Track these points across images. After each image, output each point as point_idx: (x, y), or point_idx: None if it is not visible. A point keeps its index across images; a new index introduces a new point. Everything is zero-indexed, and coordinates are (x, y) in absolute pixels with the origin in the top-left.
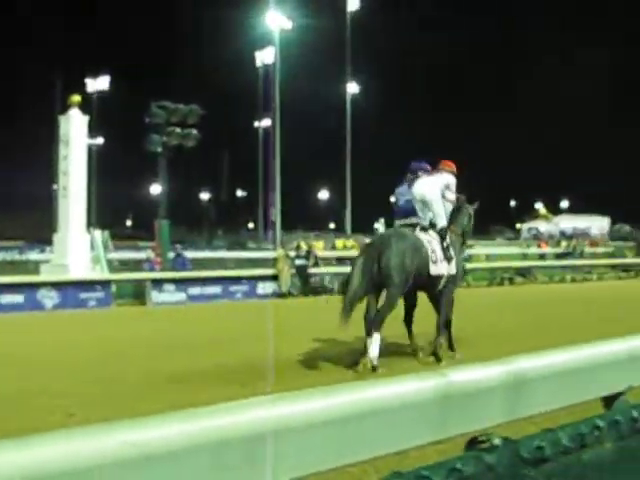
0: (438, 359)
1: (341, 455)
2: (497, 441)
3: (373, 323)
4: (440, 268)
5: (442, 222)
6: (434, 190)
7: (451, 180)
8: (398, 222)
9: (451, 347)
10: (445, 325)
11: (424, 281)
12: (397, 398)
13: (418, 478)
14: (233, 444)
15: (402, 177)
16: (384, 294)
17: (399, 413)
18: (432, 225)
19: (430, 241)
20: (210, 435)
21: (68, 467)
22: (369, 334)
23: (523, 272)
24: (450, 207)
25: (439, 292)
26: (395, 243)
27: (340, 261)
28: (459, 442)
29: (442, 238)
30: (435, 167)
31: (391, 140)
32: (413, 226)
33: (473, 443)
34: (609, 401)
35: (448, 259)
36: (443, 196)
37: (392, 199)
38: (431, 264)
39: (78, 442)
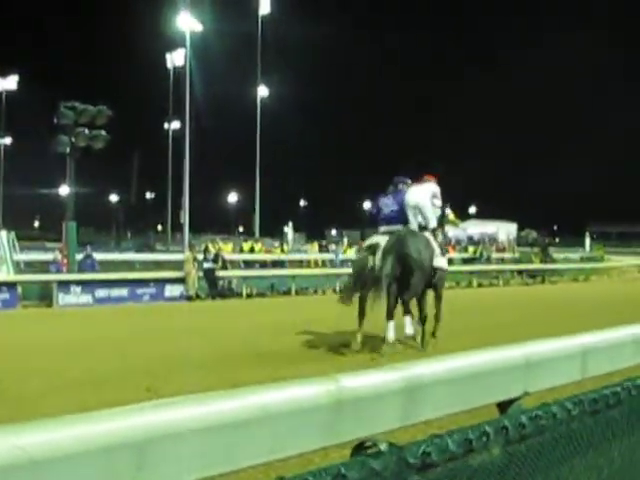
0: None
1: (228, 461)
2: (383, 446)
3: (404, 306)
4: (441, 262)
5: (433, 224)
6: (425, 197)
7: (436, 189)
8: (383, 228)
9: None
10: (424, 320)
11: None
12: (287, 403)
13: None
14: (123, 449)
15: (381, 191)
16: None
17: (289, 419)
18: (422, 228)
19: (432, 239)
20: (100, 439)
21: None
22: (391, 318)
23: None
24: (438, 212)
25: (434, 284)
26: (415, 240)
27: (248, 264)
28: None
29: (435, 237)
30: (419, 180)
31: (301, 144)
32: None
33: (359, 448)
34: (504, 407)
35: (443, 255)
36: (432, 203)
37: (369, 208)
38: (434, 258)
39: None
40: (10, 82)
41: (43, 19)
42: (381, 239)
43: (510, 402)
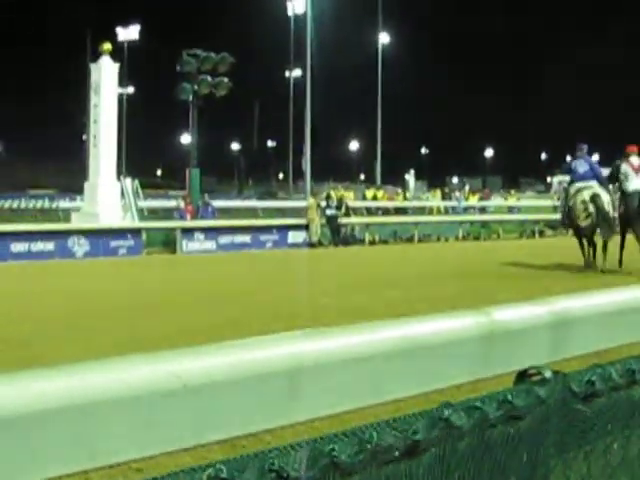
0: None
1: (377, 392)
2: (548, 374)
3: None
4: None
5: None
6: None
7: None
8: (579, 184)
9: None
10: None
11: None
12: (439, 336)
13: (469, 409)
14: (273, 377)
15: (574, 155)
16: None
17: (442, 350)
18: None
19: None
20: (250, 367)
21: (111, 396)
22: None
23: (553, 225)
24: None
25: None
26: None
27: (370, 211)
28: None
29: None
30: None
31: (422, 93)
32: (591, 187)
33: (523, 376)
34: None
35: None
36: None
37: (565, 167)
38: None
39: (120, 372)
40: (132, 32)
41: None
42: (583, 187)
43: None
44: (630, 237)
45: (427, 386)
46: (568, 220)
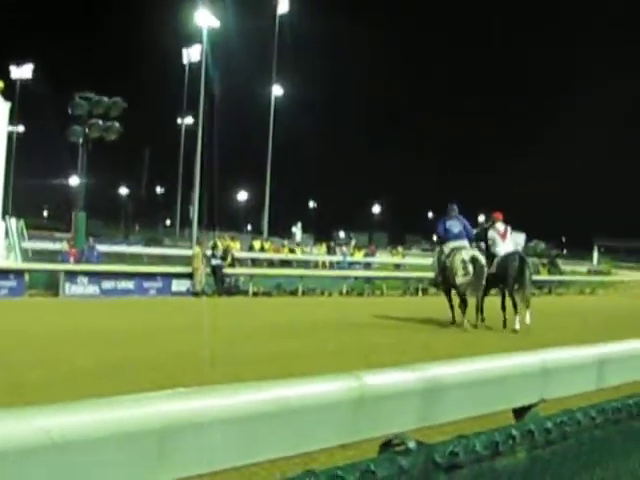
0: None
1: (249, 453)
2: (412, 444)
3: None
4: None
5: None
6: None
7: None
8: (454, 243)
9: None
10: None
11: None
12: (311, 398)
13: (331, 478)
14: (144, 436)
15: (444, 215)
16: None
17: (309, 414)
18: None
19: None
20: (119, 425)
21: None
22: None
23: (437, 283)
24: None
25: None
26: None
27: (255, 263)
28: (367, 448)
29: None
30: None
31: (312, 146)
32: (466, 247)
33: (387, 445)
34: (521, 413)
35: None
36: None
37: (439, 226)
38: None
39: None
40: (25, 71)
41: (60, 9)
42: (459, 246)
43: (526, 408)
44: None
45: (297, 448)
46: (442, 278)
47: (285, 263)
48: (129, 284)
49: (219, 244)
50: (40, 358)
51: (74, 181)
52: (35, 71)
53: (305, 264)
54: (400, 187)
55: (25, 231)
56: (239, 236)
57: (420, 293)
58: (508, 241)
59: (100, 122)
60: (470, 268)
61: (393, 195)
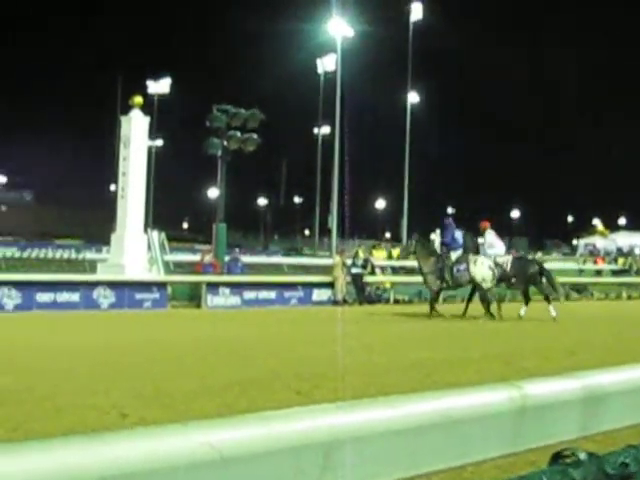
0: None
1: (412, 465)
2: (583, 456)
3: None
4: None
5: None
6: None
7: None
8: (459, 251)
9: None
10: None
11: None
12: (469, 409)
13: None
14: (309, 449)
15: (450, 226)
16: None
17: (470, 424)
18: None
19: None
20: (286, 439)
21: (144, 467)
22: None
23: (579, 288)
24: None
25: None
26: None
27: (396, 271)
28: (529, 458)
29: None
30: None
31: (449, 151)
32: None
33: (558, 457)
34: None
35: None
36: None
37: (448, 237)
38: None
39: (154, 442)
40: (163, 85)
41: (197, 22)
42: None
43: None
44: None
45: (459, 460)
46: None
47: None
48: (270, 294)
49: (361, 253)
50: (184, 369)
51: (213, 193)
52: (172, 85)
53: None
54: (539, 191)
55: (166, 243)
56: (382, 244)
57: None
58: (502, 243)
59: (238, 134)
60: (497, 272)
61: (532, 200)
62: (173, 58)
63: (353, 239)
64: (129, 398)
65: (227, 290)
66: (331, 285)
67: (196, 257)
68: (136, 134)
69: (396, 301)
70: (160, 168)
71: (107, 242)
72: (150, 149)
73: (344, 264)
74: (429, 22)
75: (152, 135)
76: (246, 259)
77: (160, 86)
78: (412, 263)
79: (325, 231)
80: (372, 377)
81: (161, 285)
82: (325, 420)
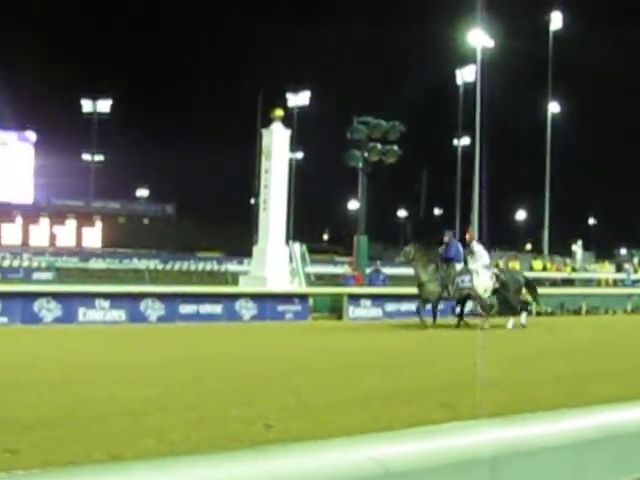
0: None
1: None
2: None
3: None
4: None
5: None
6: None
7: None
8: (462, 264)
9: None
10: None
11: None
12: (633, 424)
13: None
14: (474, 464)
15: (453, 241)
16: None
17: (635, 440)
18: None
19: None
20: (451, 454)
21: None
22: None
23: None
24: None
25: None
26: None
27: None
28: None
29: None
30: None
31: (591, 162)
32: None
33: None
34: None
35: None
36: None
37: (454, 250)
38: None
39: (321, 455)
40: (303, 98)
41: (333, 35)
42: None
43: None
44: None
45: (623, 475)
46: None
47: (567, 282)
48: (412, 306)
49: (501, 264)
50: (326, 380)
51: (353, 205)
52: (312, 98)
53: (588, 282)
54: None
55: (307, 255)
56: (520, 255)
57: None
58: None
59: (379, 146)
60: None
61: None
62: (312, 71)
63: (494, 250)
64: (272, 410)
65: (368, 302)
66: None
67: (337, 269)
68: (277, 147)
69: (538, 313)
70: (300, 181)
71: (248, 254)
72: (291, 162)
73: None
74: (569, 31)
75: (292, 148)
76: (387, 271)
77: (300, 99)
78: (555, 275)
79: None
80: (517, 389)
81: (303, 297)
82: (490, 435)
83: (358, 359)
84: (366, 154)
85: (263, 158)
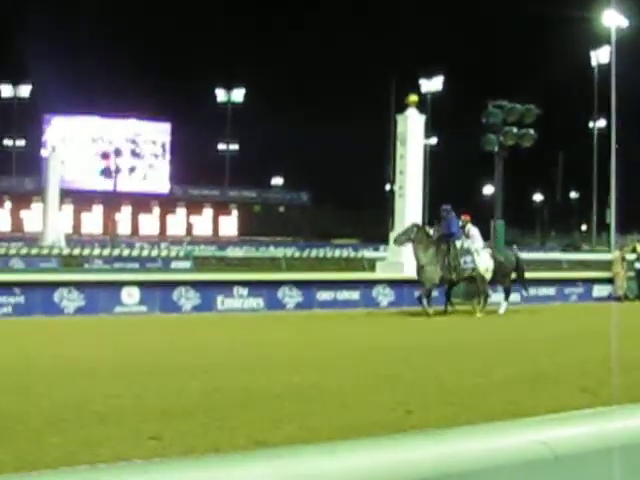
0: None
1: None
2: None
3: None
4: None
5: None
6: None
7: None
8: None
9: None
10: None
11: None
12: None
13: None
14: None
15: (451, 215)
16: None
17: None
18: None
19: None
20: (619, 437)
21: (484, 464)
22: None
23: None
24: None
25: None
26: None
27: None
28: None
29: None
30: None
31: None
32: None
33: None
34: None
35: None
36: None
37: (457, 226)
38: None
39: (491, 439)
40: (436, 83)
41: (470, 19)
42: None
43: None
44: None
45: None
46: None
47: None
48: (550, 291)
49: (638, 247)
50: (466, 365)
51: (488, 190)
52: (445, 83)
53: None
54: None
55: None
56: None
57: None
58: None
59: (514, 130)
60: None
61: None
62: (444, 56)
63: (632, 234)
64: (413, 395)
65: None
66: (611, 281)
67: None
68: (412, 132)
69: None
70: (435, 166)
71: (384, 241)
72: (425, 147)
73: (624, 259)
74: None
75: (426, 133)
76: (524, 256)
77: (433, 84)
78: None
79: (603, 226)
80: None
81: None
82: None
83: (496, 344)
84: (502, 138)
85: (398, 144)
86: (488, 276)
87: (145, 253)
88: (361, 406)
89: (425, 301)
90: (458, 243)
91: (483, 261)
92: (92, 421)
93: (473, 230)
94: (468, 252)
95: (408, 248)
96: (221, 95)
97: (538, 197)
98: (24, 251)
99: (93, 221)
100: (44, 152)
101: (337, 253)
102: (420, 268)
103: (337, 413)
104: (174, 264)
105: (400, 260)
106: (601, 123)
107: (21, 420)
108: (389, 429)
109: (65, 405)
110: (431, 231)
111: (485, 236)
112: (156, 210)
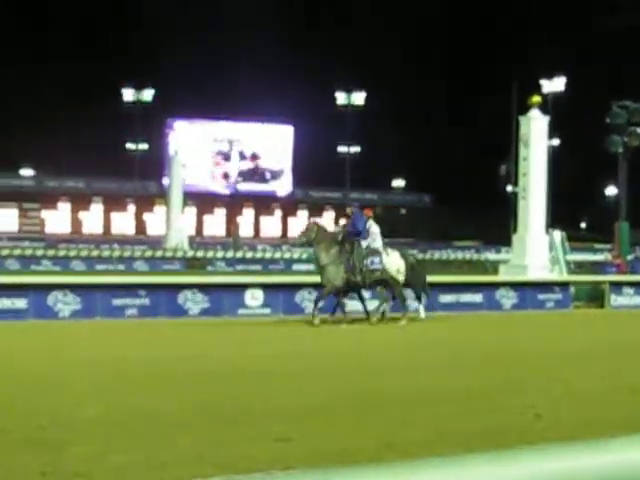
0: None
1: None
2: None
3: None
4: None
5: None
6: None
7: None
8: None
9: None
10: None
11: None
12: None
13: None
14: None
15: (359, 214)
16: None
17: None
18: None
19: None
20: None
21: None
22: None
23: None
24: None
25: None
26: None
27: None
28: None
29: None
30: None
31: None
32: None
33: None
34: None
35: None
36: None
37: (360, 226)
38: None
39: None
40: (558, 84)
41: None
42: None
43: None
44: None
45: None
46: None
47: None
48: None
49: None
50: (594, 369)
51: (611, 191)
52: (567, 84)
53: None
54: None
55: (567, 243)
56: None
57: None
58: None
59: (639, 130)
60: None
61: None
62: (568, 58)
63: None
64: (542, 398)
65: (631, 290)
66: None
67: (596, 257)
68: (536, 134)
69: None
70: (558, 167)
71: (506, 243)
72: (548, 149)
73: None
74: None
75: (549, 134)
76: None
77: (555, 85)
78: None
79: None
80: None
81: (564, 285)
82: None
83: (623, 349)
84: (626, 139)
85: (521, 146)
86: (400, 277)
87: (268, 255)
88: (489, 410)
89: (315, 305)
90: (364, 243)
91: (393, 261)
92: (220, 422)
93: (374, 227)
94: (376, 252)
95: (531, 251)
96: (341, 98)
97: None
98: (148, 254)
99: (215, 223)
100: (167, 155)
101: (460, 255)
102: (321, 269)
103: (466, 417)
104: (295, 266)
105: (524, 263)
106: None
107: (151, 420)
108: (517, 434)
109: (193, 406)
110: (336, 229)
111: (609, 238)
112: (277, 212)
